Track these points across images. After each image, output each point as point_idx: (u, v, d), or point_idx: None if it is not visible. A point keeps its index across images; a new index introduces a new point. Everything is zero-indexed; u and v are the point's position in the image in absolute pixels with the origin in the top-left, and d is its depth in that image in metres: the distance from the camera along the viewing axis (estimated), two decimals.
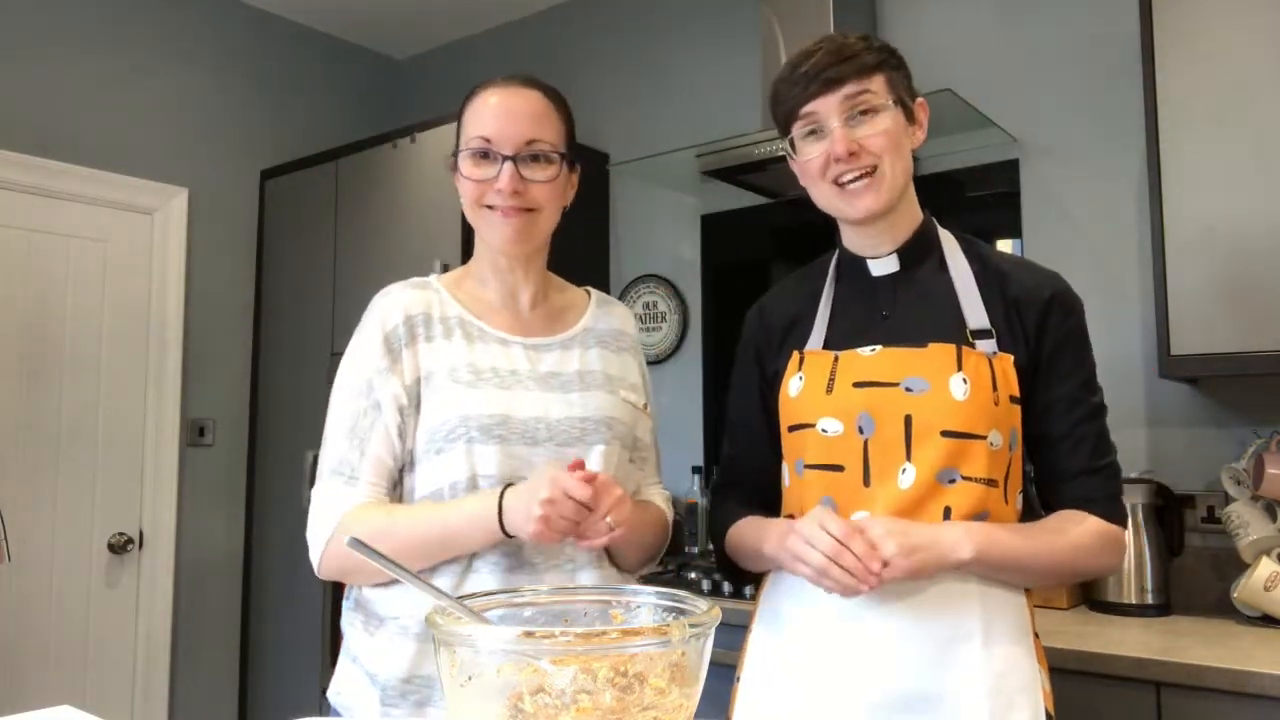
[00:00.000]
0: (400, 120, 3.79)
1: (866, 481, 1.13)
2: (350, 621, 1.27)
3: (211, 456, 3.37)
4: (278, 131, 3.62)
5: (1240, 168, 1.87)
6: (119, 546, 3.08)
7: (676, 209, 3.13)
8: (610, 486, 1.13)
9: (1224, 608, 2.01)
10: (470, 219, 1.29)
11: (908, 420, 1.11)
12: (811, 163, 1.18)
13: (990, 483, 1.12)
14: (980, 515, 1.11)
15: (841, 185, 1.17)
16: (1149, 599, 2.01)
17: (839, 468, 1.15)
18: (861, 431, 1.13)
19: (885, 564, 1.03)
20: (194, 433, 3.32)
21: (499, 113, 1.24)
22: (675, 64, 3.19)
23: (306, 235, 3.34)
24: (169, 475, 3.23)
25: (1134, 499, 2.03)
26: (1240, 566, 1.98)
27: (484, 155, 1.24)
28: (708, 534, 2.79)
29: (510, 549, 1.18)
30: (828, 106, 1.15)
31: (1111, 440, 1.19)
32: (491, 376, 1.23)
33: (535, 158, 1.24)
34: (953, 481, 1.10)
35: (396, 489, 1.25)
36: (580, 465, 1.13)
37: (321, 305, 3.24)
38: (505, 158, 1.22)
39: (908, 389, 1.12)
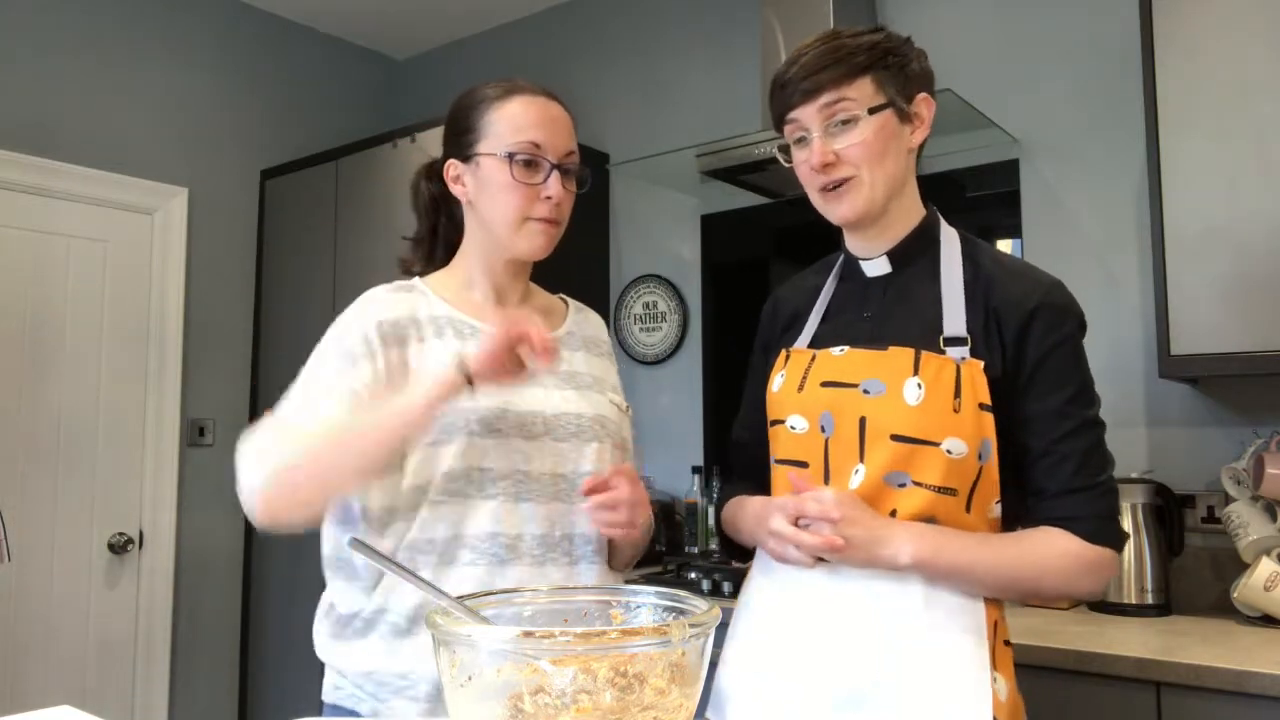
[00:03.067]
0: (400, 120, 3.79)
1: (826, 479, 1.15)
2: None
3: (211, 456, 3.37)
4: (278, 131, 3.62)
5: (1240, 168, 1.87)
6: (119, 546, 3.08)
7: (676, 209, 3.13)
8: (642, 490, 1.20)
9: (1224, 608, 2.01)
10: (502, 226, 1.25)
11: (862, 422, 1.12)
12: (799, 167, 1.21)
13: (946, 490, 1.09)
14: (926, 520, 1.09)
15: (824, 191, 1.19)
16: (1149, 599, 2.01)
17: (803, 464, 1.17)
18: (823, 430, 1.15)
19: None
20: (194, 433, 3.32)
21: (544, 120, 1.25)
22: (675, 64, 3.19)
23: (306, 235, 3.34)
24: (169, 475, 3.23)
25: (1134, 499, 2.03)
26: (1240, 566, 1.98)
27: (530, 162, 1.23)
28: (707, 531, 2.80)
29: (509, 540, 1.18)
30: (808, 115, 1.16)
31: (1106, 457, 1.12)
32: None
33: (567, 170, 1.27)
34: (903, 485, 1.10)
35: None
36: (604, 484, 1.19)
37: (322, 305, 3.23)
38: (552, 166, 1.24)
39: (865, 391, 1.12)
